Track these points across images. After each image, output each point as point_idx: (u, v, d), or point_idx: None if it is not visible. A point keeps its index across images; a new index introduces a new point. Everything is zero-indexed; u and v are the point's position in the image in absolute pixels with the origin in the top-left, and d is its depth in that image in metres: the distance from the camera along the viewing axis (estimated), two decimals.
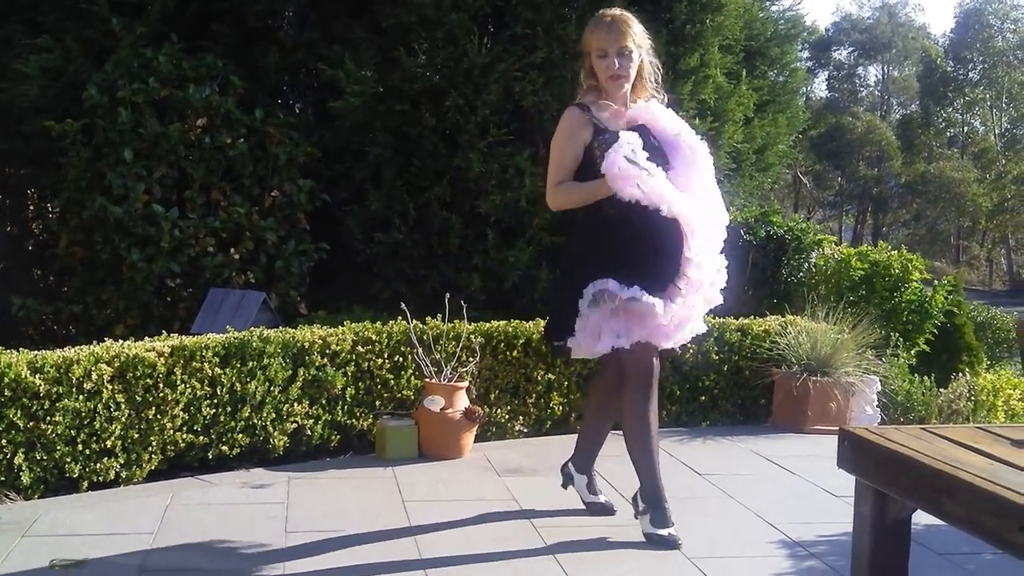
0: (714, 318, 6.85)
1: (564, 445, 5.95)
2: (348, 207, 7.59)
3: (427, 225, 7.44)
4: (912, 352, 7.89)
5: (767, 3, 10.21)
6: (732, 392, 6.86)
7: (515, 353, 6.13)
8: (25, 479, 4.66)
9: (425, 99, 7.41)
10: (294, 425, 5.50)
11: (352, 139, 7.54)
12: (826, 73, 55.93)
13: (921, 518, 2.34)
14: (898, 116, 56.14)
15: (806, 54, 49.21)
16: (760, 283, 8.61)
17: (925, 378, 7.06)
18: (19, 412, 4.60)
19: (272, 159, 7.24)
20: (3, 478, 4.63)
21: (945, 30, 69.86)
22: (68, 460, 4.77)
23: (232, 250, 7.02)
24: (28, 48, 7.27)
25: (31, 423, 4.65)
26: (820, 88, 55.49)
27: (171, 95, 6.97)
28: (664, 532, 4.30)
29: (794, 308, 7.74)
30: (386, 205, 7.40)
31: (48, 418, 4.68)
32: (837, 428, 3.26)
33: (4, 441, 4.60)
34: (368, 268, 7.55)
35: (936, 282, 8.51)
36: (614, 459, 5.74)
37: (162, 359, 5.04)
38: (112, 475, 4.92)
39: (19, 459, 4.64)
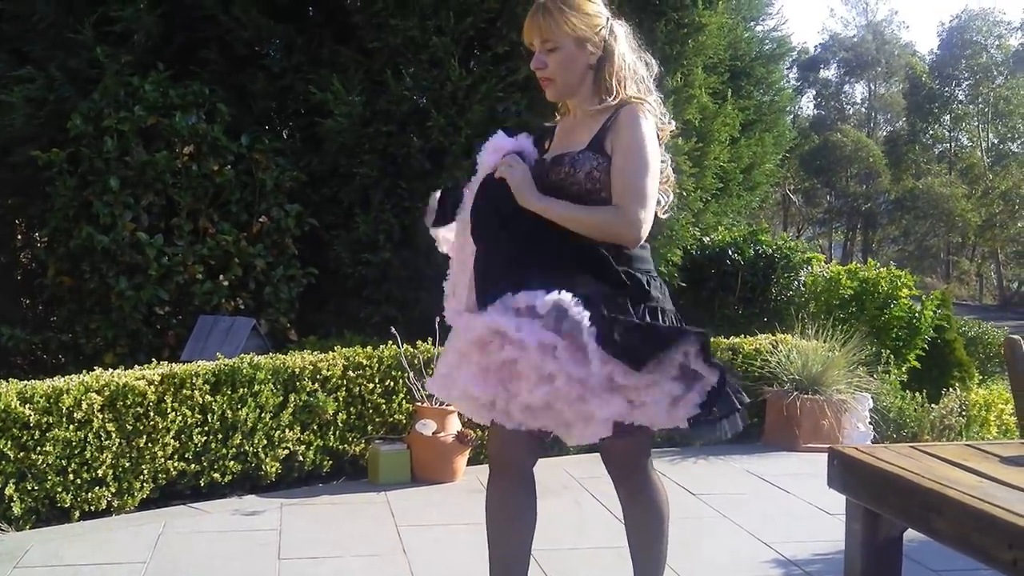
0: None
1: (558, 467, 5.96)
2: (336, 231, 7.59)
3: (414, 245, 7.44)
4: (903, 368, 7.92)
5: (751, 24, 10.26)
6: None
7: None
8: (16, 510, 4.63)
9: (412, 121, 7.43)
10: (286, 451, 5.48)
11: (340, 162, 7.55)
12: (813, 91, 56.18)
13: (916, 534, 2.33)
14: (885, 133, 56.37)
15: (794, 73, 49.56)
16: (750, 302, 8.64)
17: (917, 394, 7.07)
18: (9, 443, 4.58)
19: (259, 185, 7.24)
20: None
21: (931, 47, 70.42)
22: (59, 490, 4.75)
23: (221, 277, 7.00)
24: (13, 79, 7.27)
25: (21, 453, 4.63)
26: (808, 106, 55.75)
27: (158, 123, 6.96)
28: None
29: (784, 326, 7.76)
30: (373, 227, 7.40)
31: (38, 448, 4.66)
32: (829, 446, 3.26)
33: None
34: (357, 292, 7.54)
35: (924, 297, 8.54)
36: (605, 481, 5.74)
37: (152, 387, 5.02)
38: (103, 504, 4.90)
39: (10, 490, 4.61)
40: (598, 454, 6.21)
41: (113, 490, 4.93)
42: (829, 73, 56.90)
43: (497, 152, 3.17)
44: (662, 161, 3.10)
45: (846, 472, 2.55)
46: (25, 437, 4.63)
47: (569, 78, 3.10)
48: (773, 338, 7.12)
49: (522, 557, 3.30)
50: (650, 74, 3.19)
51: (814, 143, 48.66)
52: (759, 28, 10.50)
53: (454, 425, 5.69)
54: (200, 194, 7.06)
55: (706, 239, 8.96)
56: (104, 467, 4.87)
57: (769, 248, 8.77)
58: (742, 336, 7.14)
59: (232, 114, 7.31)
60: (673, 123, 3.20)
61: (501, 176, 3.07)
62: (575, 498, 5.38)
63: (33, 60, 7.40)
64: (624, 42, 3.14)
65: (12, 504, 4.63)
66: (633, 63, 3.13)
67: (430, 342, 5.94)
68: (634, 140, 2.96)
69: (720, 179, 8.73)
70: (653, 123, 3.05)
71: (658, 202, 3.08)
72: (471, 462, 5.86)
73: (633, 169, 2.94)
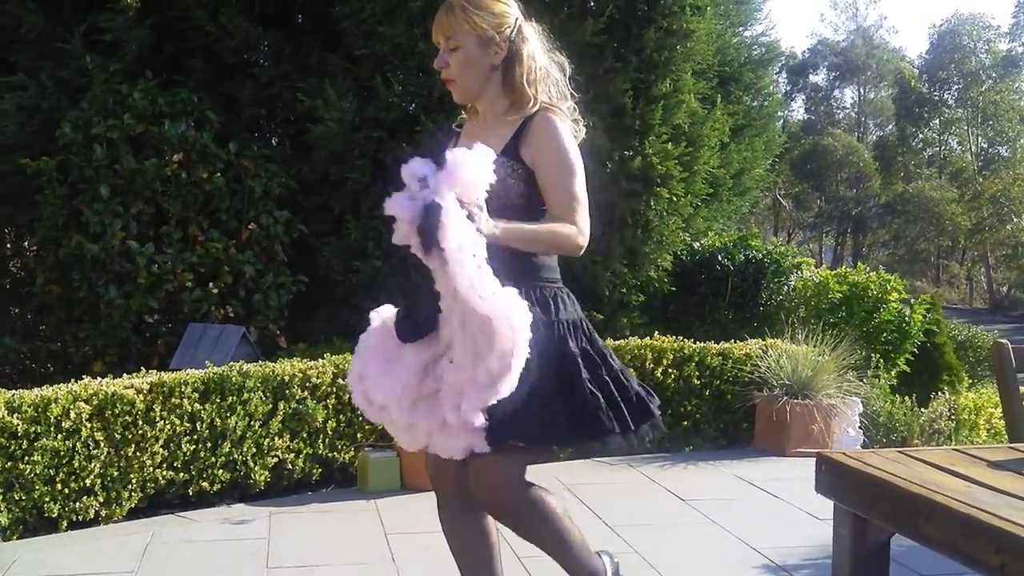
0: (694, 342, 6.88)
1: (550, 475, 5.95)
2: (326, 238, 7.58)
3: (402, 252, 7.43)
4: (893, 372, 7.93)
5: (740, 29, 10.28)
6: (715, 417, 6.86)
7: None
8: (3, 520, 4.61)
9: (401, 128, 7.43)
10: (275, 459, 5.47)
11: (330, 169, 7.55)
12: (803, 96, 56.34)
13: (904, 539, 2.33)
14: (874, 137, 56.55)
15: (784, 77, 49.71)
16: (740, 307, 8.65)
17: (906, 398, 7.08)
18: None
19: (248, 192, 7.23)
20: None
21: (920, 52, 70.64)
22: (47, 500, 4.73)
23: (210, 284, 6.99)
24: (4, 86, 7.26)
25: (9, 463, 4.61)
26: (798, 111, 55.91)
27: (147, 131, 6.95)
28: None
29: (774, 331, 7.77)
30: (364, 234, 7.40)
31: (26, 458, 4.64)
32: (819, 451, 3.25)
33: None
34: (347, 300, 7.53)
35: (913, 301, 8.56)
36: (594, 487, 5.74)
37: (141, 396, 5.01)
38: (91, 514, 4.88)
39: None
40: (588, 460, 6.25)
41: (101, 499, 4.91)
42: (819, 78, 57.09)
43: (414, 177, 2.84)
44: None
45: (834, 477, 2.55)
46: (13, 446, 4.61)
47: (470, 79, 2.99)
48: (763, 343, 7.13)
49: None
50: (564, 77, 3.08)
51: (804, 148, 48.78)
52: (748, 33, 10.53)
53: None
54: (189, 202, 7.05)
55: (696, 244, 8.97)
56: (92, 476, 4.86)
57: (759, 253, 8.78)
58: (732, 341, 7.14)
59: (221, 122, 7.31)
60: (584, 131, 3.11)
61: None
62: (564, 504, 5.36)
63: (22, 70, 7.39)
64: (534, 43, 3.00)
65: None
66: (546, 66, 3.01)
67: None
68: (558, 148, 2.92)
69: (710, 184, 8.74)
70: (569, 126, 2.99)
71: None
72: None
73: (565, 178, 2.92)
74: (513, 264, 2.83)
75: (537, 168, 2.91)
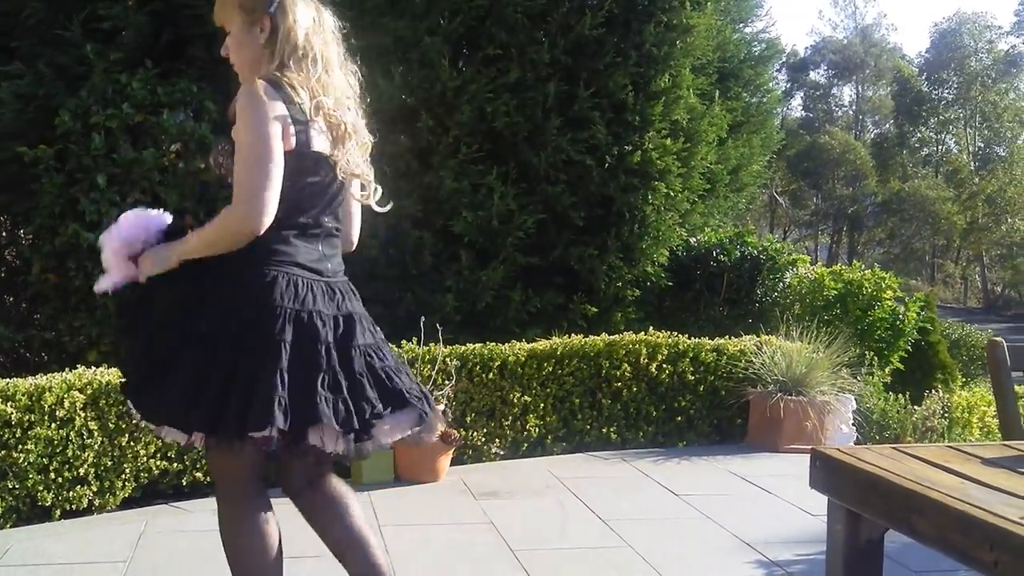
0: (689, 338, 6.89)
1: (541, 467, 5.97)
2: None
3: (400, 244, 7.44)
4: (887, 370, 7.94)
5: (740, 25, 10.28)
6: (708, 412, 6.87)
7: (491, 375, 6.12)
8: None
9: (401, 121, 7.42)
10: None
11: None
12: (802, 93, 56.34)
13: (899, 536, 2.34)
14: (872, 135, 56.56)
15: (783, 75, 49.68)
16: (735, 303, 8.65)
17: (900, 396, 7.09)
18: None
19: None
20: None
21: (919, 50, 70.66)
22: (40, 488, 4.72)
23: None
24: (1, 75, 7.23)
25: (2, 452, 4.60)
26: (796, 108, 55.92)
27: (145, 121, 6.94)
28: None
29: (769, 328, 7.78)
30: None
31: (20, 446, 4.64)
32: (812, 447, 3.23)
33: None
34: None
35: (908, 300, 8.57)
36: (588, 481, 5.75)
37: None
38: (85, 503, 4.87)
39: None
40: (581, 455, 6.26)
41: (95, 489, 4.91)
42: (818, 75, 57.07)
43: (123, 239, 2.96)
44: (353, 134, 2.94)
45: (828, 473, 2.55)
46: (7, 435, 4.61)
47: (241, 60, 2.91)
48: (758, 339, 7.14)
49: None
50: (339, 58, 3.00)
51: (802, 145, 48.78)
52: (748, 30, 10.53)
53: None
54: (187, 192, 7.03)
55: (692, 240, 8.97)
56: (86, 466, 4.85)
57: (755, 250, 8.79)
58: (727, 337, 7.15)
59: (219, 112, 7.29)
60: (347, 115, 2.93)
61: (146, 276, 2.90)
62: (558, 498, 5.38)
63: (20, 57, 7.36)
64: (296, 17, 2.85)
65: None
66: (303, 40, 2.85)
67: (415, 341, 5.94)
68: (241, 122, 2.72)
69: (707, 180, 8.75)
70: (271, 99, 2.72)
71: (362, 187, 2.98)
72: (454, 462, 5.86)
73: (240, 153, 2.72)
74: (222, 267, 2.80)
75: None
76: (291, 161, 2.76)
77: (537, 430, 6.30)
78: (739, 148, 9.64)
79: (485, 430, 6.14)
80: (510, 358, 6.19)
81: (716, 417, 6.91)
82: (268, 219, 2.71)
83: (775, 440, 6.60)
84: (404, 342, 5.95)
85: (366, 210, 3.22)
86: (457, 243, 7.49)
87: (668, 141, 7.76)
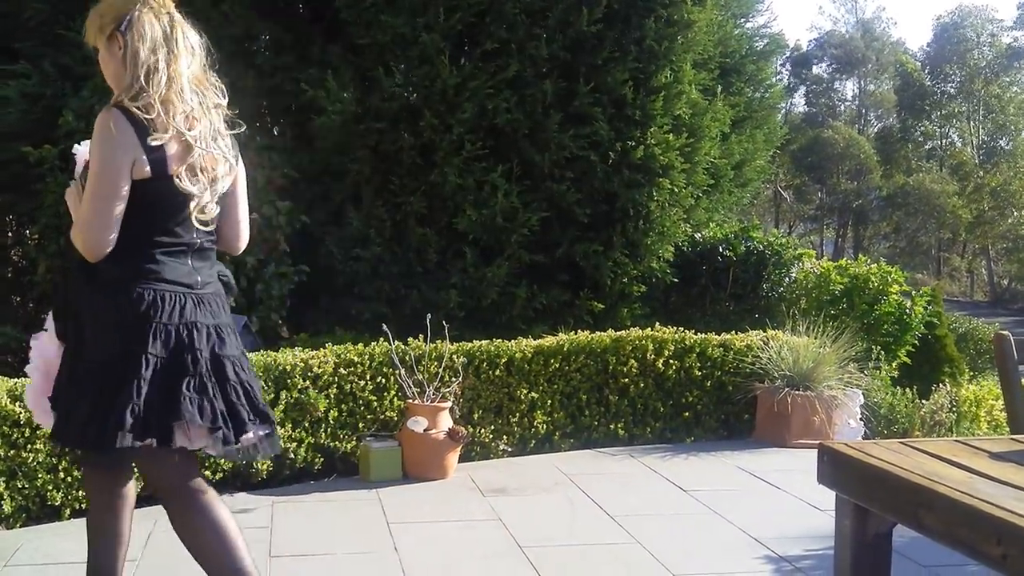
0: (696, 333, 6.88)
1: (549, 464, 5.98)
2: (327, 228, 7.59)
3: (405, 241, 7.45)
4: (894, 364, 7.93)
5: (741, 20, 10.27)
6: (715, 408, 6.87)
7: (498, 372, 6.13)
8: (6, 508, 4.63)
9: (403, 118, 7.43)
10: None
11: (332, 159, 7.55)
12: (804, 88, 56.24)
13: (905, 530, 2.34)
14: (875, 130, 56.46)
15: (786, 69, 49.59)
16: (741, 298, 8.65)
17: (907, 390, 7.09)
18: (0, 441, 4.58)
19: (250, 182, 7.21)
20: None
21: (922, 44, 70.52)
22: (50, 488, 4.73)
23: None
24: (7, 74, 7.25)
25: (12, 451, 4.62)
26: (799, 103, 55.81)
27: None
28: None
29: (775, 323, 7.77)
30: (365, 223, 7.42)
31: (29, 446, 4.65)
32: (820, 442, 3.22)
33: None
34: (348, 289, 7.54)
35: (914, 294, 8.56)
36: (596, 477, 5.76)
37: None
38: None
39: (0, 488, 4.61)
40: (589, 451, 6.26)
41: None
42: (820, 70, 56.98)
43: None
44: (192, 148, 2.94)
45: (836, 468, 2.55)
46: (15, 435, 4.62)
47: (108, 76, 3.03)
48: (764, 334, 7.14)
49: None
50: (200, 71, 3.07)
51: (805, 140, 48.70)
52: (749, 25, 10.52)
53: (445, 422, 5.69)
54: None
55: (697, 235, 8.97)
56: None
57: (760, 244, 8.78)
58: (733, 332, 7.15)
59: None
60: (189, 132, 2.93)
61: None
62: (566, 495, 5.38)
63: (24, 57, 7.38)
64: (142, 33, 2.92)
65: (2, 502, 4.62)
66: (147, 57, 2.91)
67: (421, 339, 5.94)
68: (93, 153, 2.88)
69: (711, 175, 8.74)
70: (120, 130, 2.83)
71: (201, 205, 2.98)
72: (463, 459, 5.86)
73: (88, 185, 2.88)
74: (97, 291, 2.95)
75: None
76: (148, 186, 2.87)
77: (545, 426, 6.30)
78: (743, 143, 9.64)
79: (492, 427, 6.15)
80: (517, 355, 6.19)
81: (723, 412, 6.91)
82: (100, 248, 2.86)
83: (783, 435, 6.60)
84: (410, 339, 5.96)
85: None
86: (461, 240, 7.50)
87: (671, 136, 7.75)
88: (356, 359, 5.77)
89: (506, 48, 7.44)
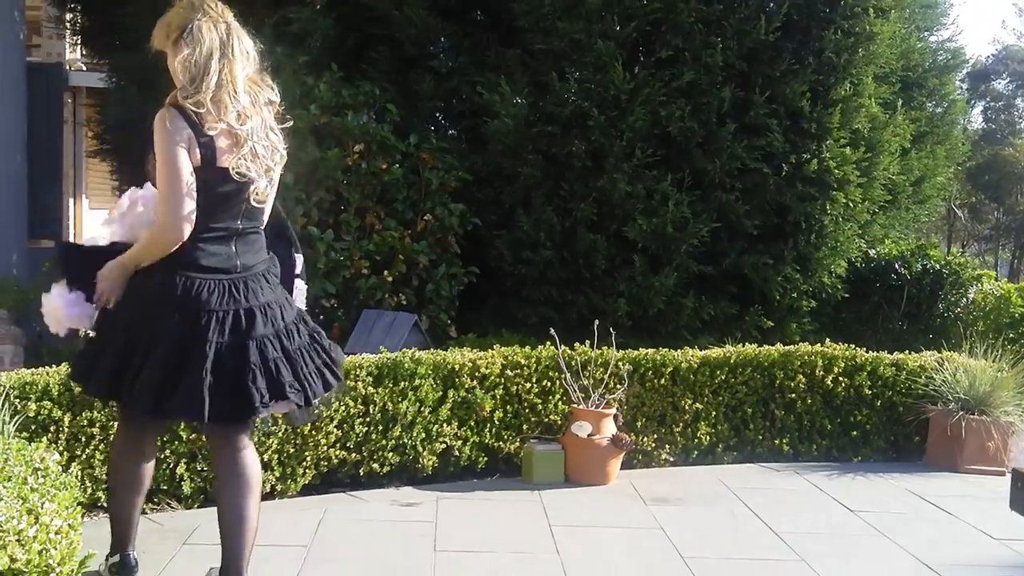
0: (867, 351, 6.72)
1: (711, 476, 5.93)
2: (498, 231, 7.68)
3: (573, 247, 7.48)
4: None
5: (925, 34, 9.99)
6: (885, 428, 6.70)
7: (663, 381, 6.10)
8: (186, 488, 4.83)
9: (574, 124, 7.47)
10: (443, 445, 5.57)
11: (503, 163, 7.64)
12: (983, 104, 54.32)
13: None
14: None
15: (964, 84, 47.97)
16: (915, 318, 8.42)
17: None
18: (182, 424, 4.76)
19: (425, 184, 7.38)
20: (166, 487, 4.82)
21: None
22: None
23: (385, 272, 7.16)
24: None
25: (192, 435, 4.81)
26: (977, 119, 53.92)
27: (330, 122, 7.15)
28: None
29: (950, 344, 7.54)
30: (535, 227, 7.48)
31: None
32: (994, 468, 3.10)
33: (168, 452, 4.78)
34: (516, 293, 7.62)
35: None
36: (760, 492, 5.68)
37: None
38: (267, 488, 5.04)
39: (181, 469, 4.82)
40: (752, 465, 6.19)
41: (277, 474, 5.08)
42: (1000, 85, 54.93)
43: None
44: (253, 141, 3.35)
45: None
46: None
47: (173, 78, 3.36)
48: (939, 355, 6.92)
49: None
50: (254, 74, 3.43)
51: (983, 157, 47.03)
52: (933, 39, 10.22)
53: (609, 428, 5.69)
54: (368, 191, 7.23)
55: (872, 252, 8.76)
56: (270, 452, 5.03)
57: (937, 263, 8.53)
58: (906, 352, 6.95)
59: (400, 114, 7.46)
60: (240, 127, 3.31)
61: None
62: (730, 508, 5.33)
63: None
64: (201, 40, 3.29)
65: (182, 483, 4.82)
66: (204, 61, 3.28)
67: (588, 344, 5.96)
68: (156, 146, 3.23)
69: (888, 191, 8.53)
70: (174, 123, 3.22)
71: (257, 189, 3.38)
72: (624, 466, 5.85)
73: (160, 174, 3.23)
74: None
75: None
76: (199, 174, 3.25)
77: (708, 438, 6.24)
78: (922, 159, 9.36)
79: (655, 436, 6.12)
80: (683, 364, 6.15)
81: (893, 433, 6.72)
82: (189, 225, 3.25)
83: (955, 460, 6.39)
84: (577, 345, 5.98)
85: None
86: (630, 248, 7.49)
87: (848, 150, 7.60)
88: (523, 361, 5.82)
89: (680, 56, 7.41)
